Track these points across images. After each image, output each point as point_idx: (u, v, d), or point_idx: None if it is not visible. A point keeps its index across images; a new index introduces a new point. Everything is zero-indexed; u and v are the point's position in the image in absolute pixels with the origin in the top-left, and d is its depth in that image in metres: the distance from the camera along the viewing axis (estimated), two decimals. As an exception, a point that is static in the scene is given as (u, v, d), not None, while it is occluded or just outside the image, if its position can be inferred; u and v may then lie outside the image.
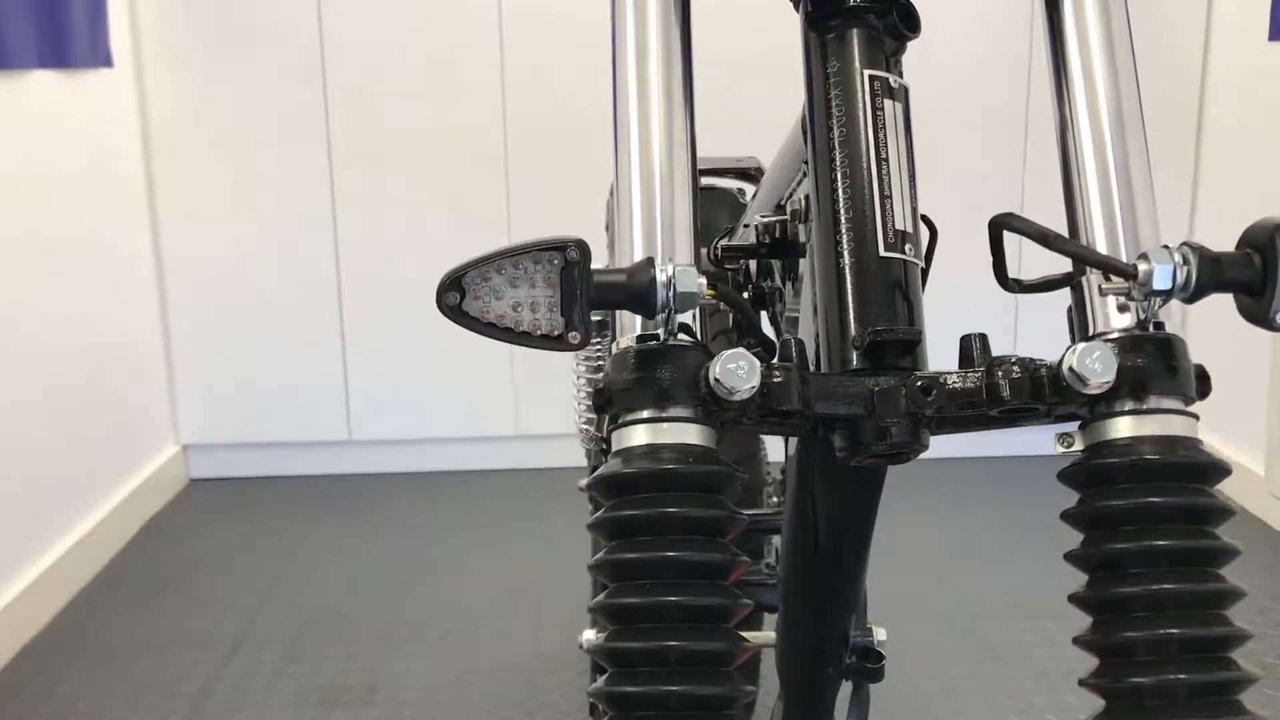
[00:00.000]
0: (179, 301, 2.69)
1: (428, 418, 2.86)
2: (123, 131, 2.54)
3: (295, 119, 2.66)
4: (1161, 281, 0.51)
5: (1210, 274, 0.51)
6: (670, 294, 0.50)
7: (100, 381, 2.39)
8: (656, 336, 0.52)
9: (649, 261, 0.51)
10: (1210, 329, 2.94)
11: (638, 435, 0.51)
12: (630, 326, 0.53)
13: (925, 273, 0.61)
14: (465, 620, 2.10)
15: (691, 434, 0.51)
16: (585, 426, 1.75)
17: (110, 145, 2.48)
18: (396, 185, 2.75)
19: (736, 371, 0.50)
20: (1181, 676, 0.48)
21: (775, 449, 1.23)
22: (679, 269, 0.50)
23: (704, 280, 0.50)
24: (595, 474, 0.52)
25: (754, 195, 1.16)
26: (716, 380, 0.50)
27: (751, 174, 1.79)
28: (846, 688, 0.95)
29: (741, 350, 0.50)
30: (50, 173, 2.21)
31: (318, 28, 2.66)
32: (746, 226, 0.89)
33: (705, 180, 1.79)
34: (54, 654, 1.99)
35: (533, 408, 2.87)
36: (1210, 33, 2.86)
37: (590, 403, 1.65)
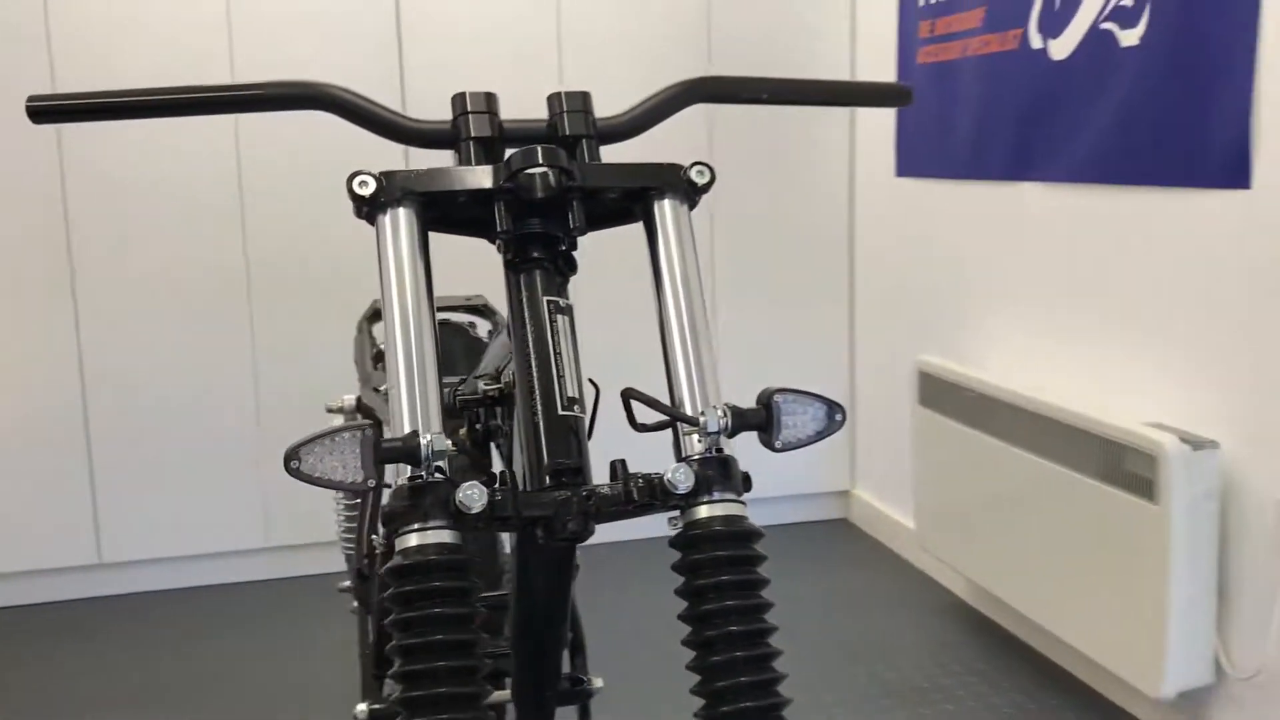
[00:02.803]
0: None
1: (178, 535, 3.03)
2: None
3: (37, 256, 2.82)
4: (713, 427, 0.87)
5: (740, 421, 0.88)
6: (429, 452, 0.82)
7: None
8: (421, 476, 0.83)
9: (414, 434, 0.83)
10: (879, 415, 3.54)
11: (411, 540, 0.83)
12: (404, 470, 0.85)
13: (593, 420, 0.95)
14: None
15: (446, 536, 0.83)
16: (345, 536, 2.02)
17: None
18: (140, 316, 2.94)
19: (471, 496, 0.82)
20: (743, 679, 0.82)
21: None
22: (434, 437, 0.82)
23: (449, 443, 0.83)
24: (386, 565, 0.83)
25: (489, 348, 1.47)
26: (460, 502, 0.82)
27: (479, 308, 2.12)
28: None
29: (474, 481, 0.83)
30: None
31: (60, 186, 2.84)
32: (478, 378, 1.21)
33: (441, 315, 2.11)
34: None
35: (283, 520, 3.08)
36: (855, 169, 3.45)
37: (348, 522, 1.93)
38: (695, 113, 3.30)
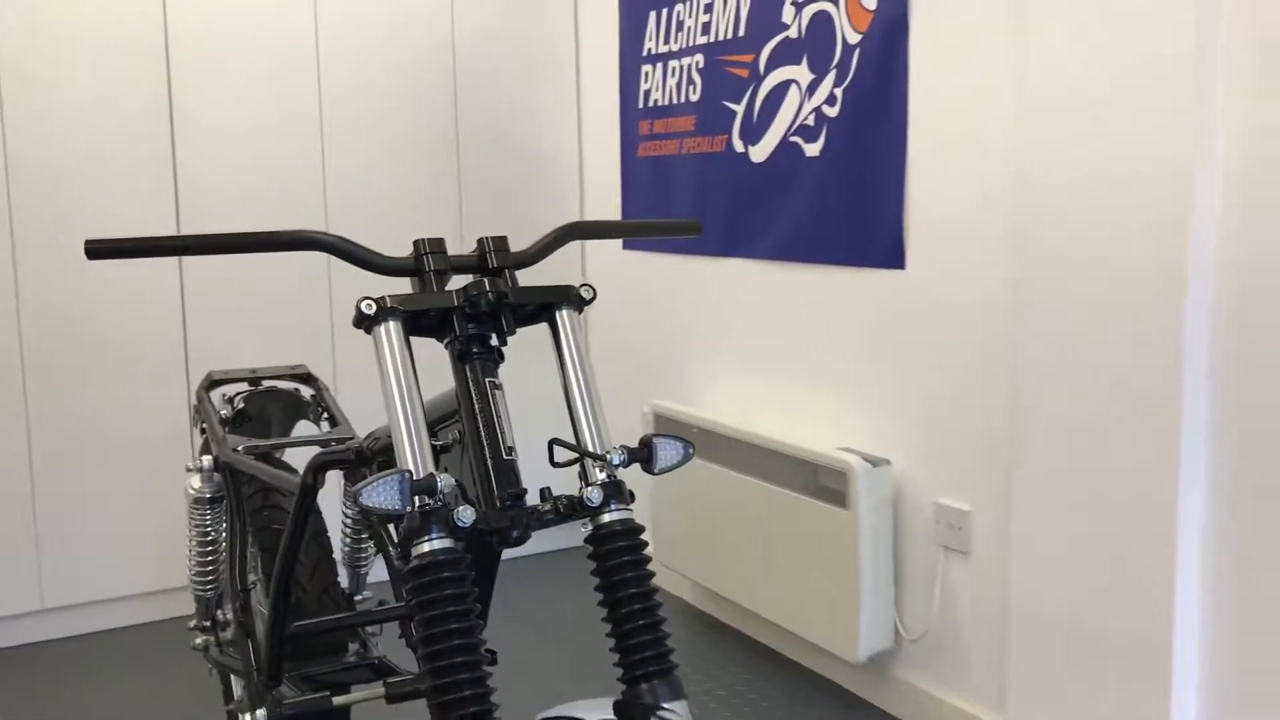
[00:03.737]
0: None
1: None
2: None
3: None
4: (615, 460, 1.33)
5: (631, 455, 1.34)
6: (443, 486, 1.23)
7: None
8: (429, 504, 1.24)
9: (433, 475, 1.23)
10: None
11: (424, 547, 1.23)
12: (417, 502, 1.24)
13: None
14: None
15: (448, 543, 1.23)
16: (197, 579, 2.30)
17: None
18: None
19: (464, 515, 1.24)
20: (641, 623, 1.28)
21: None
22: (443, 476, 1.23)
23: (453, 480, 1.23)
24: (409, 567, 1.22)
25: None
26: (458, 519, 1.23)
27: (302, 375, 2.45)
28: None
29: (466, 506, 1.24)
30: None
31: None
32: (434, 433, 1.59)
33: (268, 383, 2.43)
34: None
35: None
36: (585, 243, 3.97)
37: (200, 566, 2.21)
38: (451, 195, 3.72)
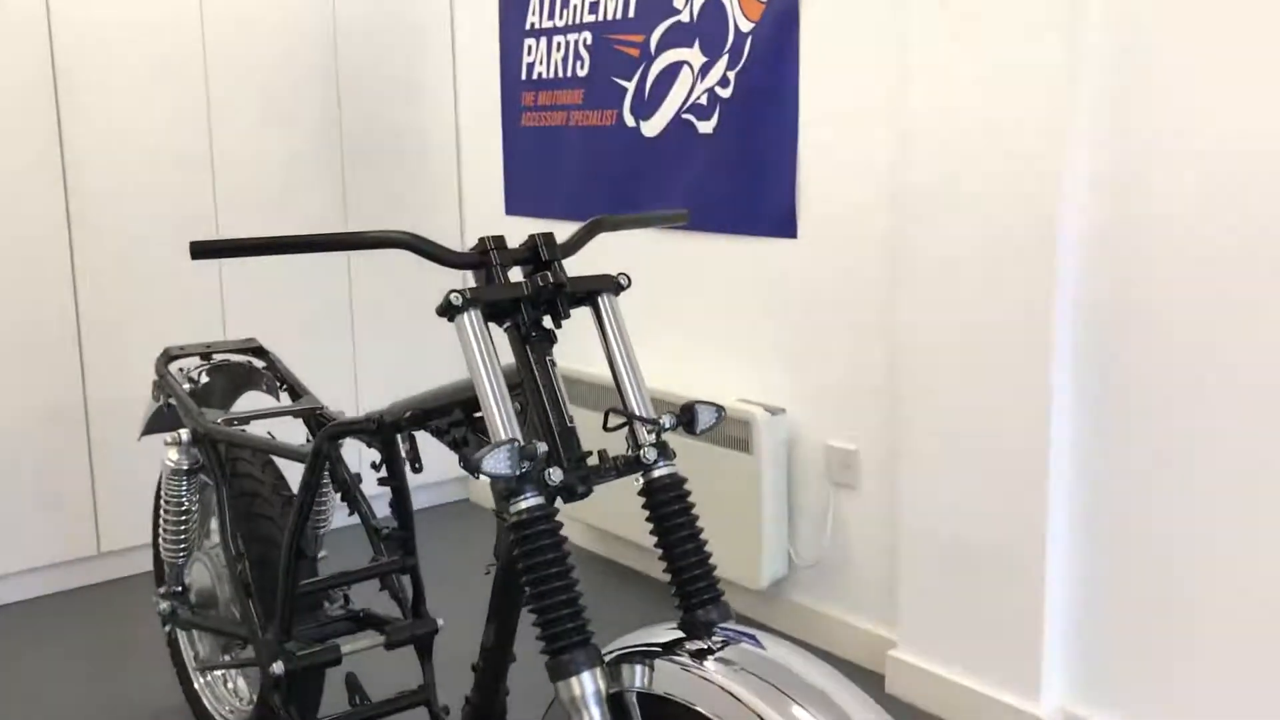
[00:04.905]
0: None
1: None
2: None
3: None
4: (667, 424, 1.56)
5: (678, 419, 1.58)
6: (537, 452, 1.43)
7: None
8: (526, 467, 1.43)
9: (534, 441, 1.43)
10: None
11: (522, 505, 1.43)
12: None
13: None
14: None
15: (541, 500, 1.44)
16: (169, 546, 2.40)
17: None
18: None
19: (554, 475, 1.45)
20: (697, 570, 1.51)
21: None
22: (536, 442, 1.43)
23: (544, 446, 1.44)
24: (510, 522, 1.42)
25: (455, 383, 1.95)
26: (550, 479, 1.44)
27: (253, 349, 2.56)
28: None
29: (554, 467, 1.45)
30: None
31: None
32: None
33: (220, 356, 2.53)
34: None
35: None
36: (464, 210, 4.11)
37: (174, 532, 2.31)
38: (334, 171, 3.80)
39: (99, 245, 3.42)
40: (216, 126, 3.58)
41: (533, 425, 1.56)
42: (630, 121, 3.37)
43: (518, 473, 1.41)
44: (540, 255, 1.60)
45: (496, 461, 1.39)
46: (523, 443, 1.42)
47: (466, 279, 4.01)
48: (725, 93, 3.06)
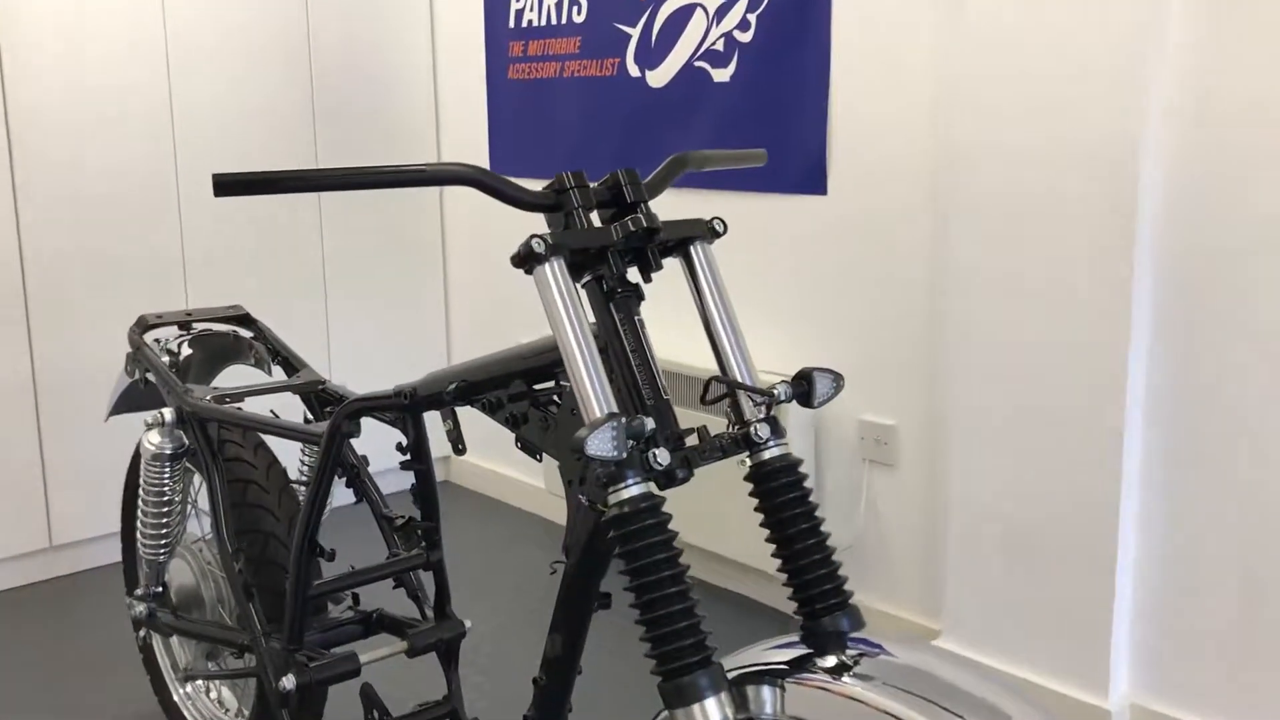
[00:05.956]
0: None
1: None
2: None
3: None
4: (783, 397, 1.31)
5: (794, 391, 1.33)
6: (646, 430, 1.18)
7: None
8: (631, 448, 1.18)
9: (640, 418, 1.18)
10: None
11: (623, 495, 1.18)
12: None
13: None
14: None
15: (647, 488, 1.19)
16: (148, 544, 2.11)
17: None
18: None
19: (661, 458, 1.20)
20: (816, 558, 1.27)
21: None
22: (643, 419, 1.18)
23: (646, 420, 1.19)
24: (608, 516, 1.17)
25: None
26: (656, 462, 1.19)
27: (239, 318, 2.27)
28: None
29: (661, 448, 1.20)
30: None
31: None
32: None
33: (203, 325, 2.24)
34: None
35: None
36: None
37: (154, 530, 2.02)
38: (304, 120, 3.48)
39: (47, 210, 3.08)
40: (177, 80, 3.25)
41: (620, 399, 1.30)
42: (634, 71, 3.11)
43: (623, 455, 1.16)
44: (625, 195, 1.34)
45: (601, 441, 1.14)
46: (648, 420, 1.17)
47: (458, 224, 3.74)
48: (744, 36, 2.81)
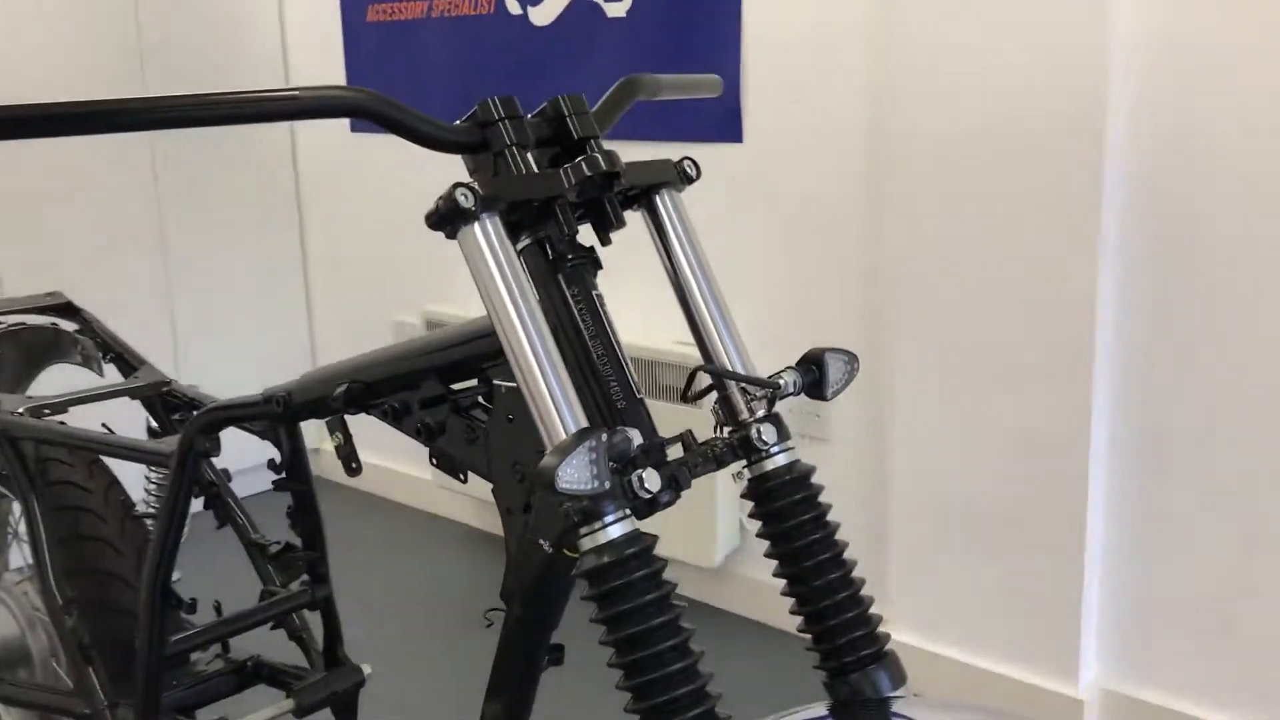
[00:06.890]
0: None
1: None
2: None
3: None
4: (790, 389, 1.01)
5: (803, 380, 1.03)
6: (632, 449, 0.86)
7: None
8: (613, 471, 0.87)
9: (626, 434, 0.86)
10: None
11: (601, 538, 0.86)
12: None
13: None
14: None
15: (632, 526, 0.87)
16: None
17: None
18: None
19: (650, 481, 0.88)
20: (838, 587, 0.97)
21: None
22: (630, 433, 0.86)
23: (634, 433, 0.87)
24: (583, 568, 0.85)
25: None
26: (644, 488, 0.87)
27: (59, 306, 1.86)
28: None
29: (649, 469, 0.88)
30: None
31: None
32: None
33: (14, 319, 1.83)
34: None
35: None
36: (295, 129, 3.40)
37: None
38: (129, 70, 3.02)
39: None
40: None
41: (585, 404, 0.98)
42: (514, 8, 2.75)
43: (606, 485, 0.84)
44: (571, 129, 1.01)
45: (577, 471, 0.82)
46: (633, 432, 0.86)
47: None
48: (641, -35, 2.48)
